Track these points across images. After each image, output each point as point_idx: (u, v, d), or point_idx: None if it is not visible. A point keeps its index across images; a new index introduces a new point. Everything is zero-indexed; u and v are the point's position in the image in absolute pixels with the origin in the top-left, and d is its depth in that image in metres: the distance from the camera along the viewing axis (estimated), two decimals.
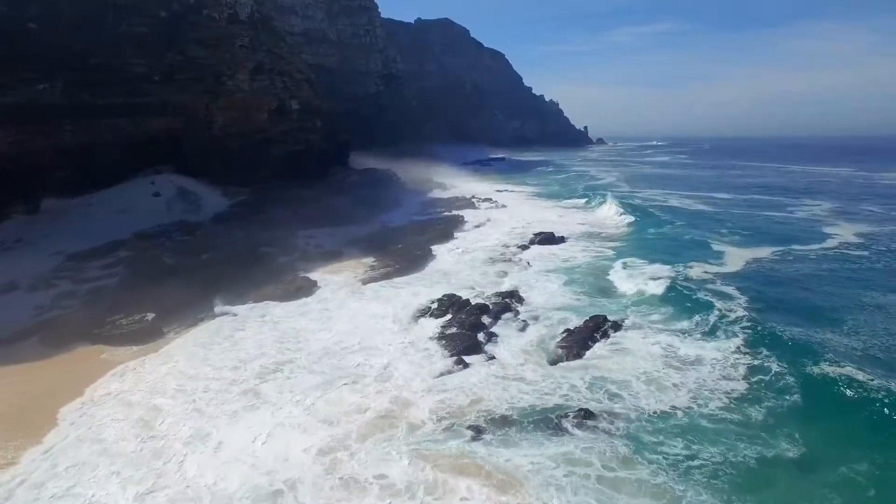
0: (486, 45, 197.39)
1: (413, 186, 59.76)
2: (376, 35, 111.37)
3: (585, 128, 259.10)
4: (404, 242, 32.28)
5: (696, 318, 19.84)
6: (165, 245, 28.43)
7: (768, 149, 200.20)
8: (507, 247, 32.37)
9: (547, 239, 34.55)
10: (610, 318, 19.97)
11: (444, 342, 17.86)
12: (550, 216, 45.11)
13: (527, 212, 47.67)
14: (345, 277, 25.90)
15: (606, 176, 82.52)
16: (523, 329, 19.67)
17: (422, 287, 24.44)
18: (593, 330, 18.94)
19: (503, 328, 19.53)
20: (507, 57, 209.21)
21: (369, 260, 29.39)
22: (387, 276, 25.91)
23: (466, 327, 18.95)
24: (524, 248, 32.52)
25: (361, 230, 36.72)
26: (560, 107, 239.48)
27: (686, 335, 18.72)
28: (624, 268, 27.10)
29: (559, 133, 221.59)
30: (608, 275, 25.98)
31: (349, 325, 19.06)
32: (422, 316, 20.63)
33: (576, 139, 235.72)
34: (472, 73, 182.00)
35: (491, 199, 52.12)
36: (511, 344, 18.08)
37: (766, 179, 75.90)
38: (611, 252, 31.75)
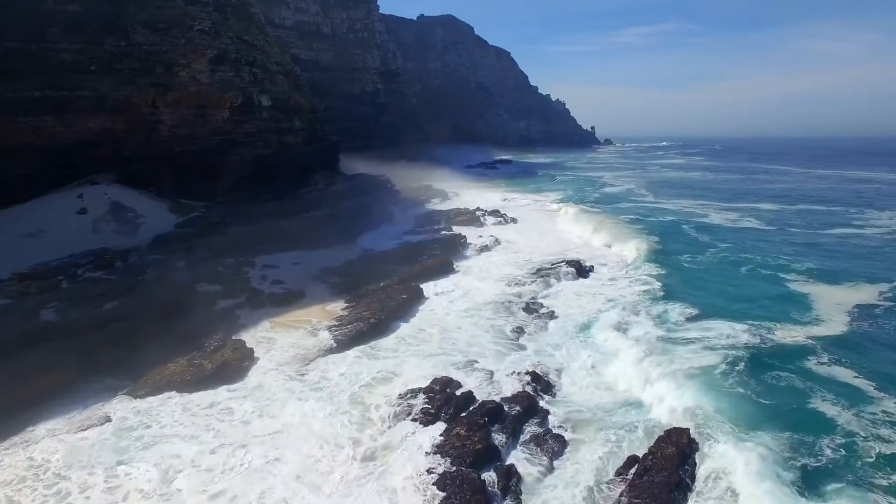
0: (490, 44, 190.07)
1: (408, 195, 52.29)
2: (374, 30, 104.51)
3: (592, 128, 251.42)
4: (388, 277, 24.79)
5: (822, 437, 12.40)
6: (61, 287, 21.01)
7: (786, 150, 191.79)
8: (522, 285, 24.78)
9: (571, 271, 27.02)
10: (688, 428, 12.57)
11: (428, 499, 10.35)
12: (570, 235, 37.59)
13: (540, 229, 40.20)
14: (297, 340, 18.41)
15: (623, 182, 74.79)
16: (560, 455, 12.18)
17: (403, 358, 16.95)
18: (677, 461, 11.44)
19: (528, 457, 12.03)
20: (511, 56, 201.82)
21: (338, 306, 21.91)
22: (356, 339, 18.38)
23: (467, 459, 11.46)
24: (545, 286, 24.96)
25: (337, 257, 29.24)
26: (566, 107, 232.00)
27: (829, 464, 11.34)
28: (679, 325, 19.57)
29: (566, 134, 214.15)
30: (661, 337, 18.37)
31: (273, 463, 11.47)
32: (397, 422, 13.14)
33: (583, 140, 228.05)
34: (476, 71, 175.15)
35: (498, 213, 44.58)
36: (549, 499, 10.55)
37: (805, 185, 68.06)
38: (654, 291, 24.24)
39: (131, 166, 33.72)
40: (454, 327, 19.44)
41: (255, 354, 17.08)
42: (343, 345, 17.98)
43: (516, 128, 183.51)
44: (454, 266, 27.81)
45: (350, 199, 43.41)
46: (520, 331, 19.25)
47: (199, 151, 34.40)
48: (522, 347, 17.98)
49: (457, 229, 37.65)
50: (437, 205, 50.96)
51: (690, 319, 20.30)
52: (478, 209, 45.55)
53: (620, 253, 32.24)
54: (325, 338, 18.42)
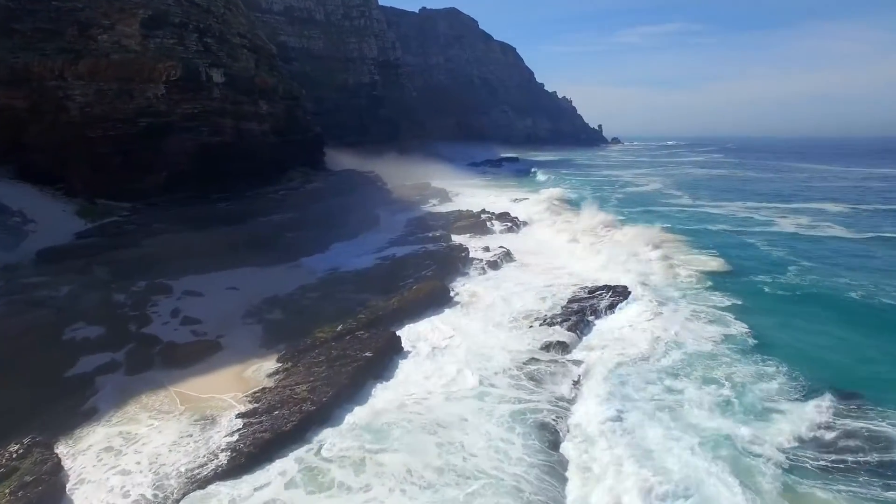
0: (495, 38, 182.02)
1: (402, 195, 44.45)
2: (372, 17, 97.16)
3: (600, 126, 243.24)
4: (352, 314, 16.78)
5: None
6: None
7: (806, 149, 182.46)
8: (550, 325, 16.72)
9: (616, 302, 19.04)
10: None
11: None
12: (597, 246, 29.29)
13: (560, 238, 31.95)
14: (167, 447, 10.52)
15: (647, 181, 66.60)
16: None
17: None
18: None
19: None
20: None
21: (264, 367, 13.96)
22: (269, 449, 10.40)
23: None
24: (582, 326, 16.92)
25: (291, 278, 21.32)
26: (573, 105, 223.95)
27: None
28: (822, 428, 11.46)
29: (573, 132, 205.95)
30: (802, 466, 10.37)
31: None
32: None
33: (590, 138, 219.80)
34: (480, 66, 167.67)
35: (507, 216, 36.60)
36: None
37: (854, 184, 59.57)
38: (741, 337, 16.51)
39: (34, 156, 25.96)
40: (449, 422, 11.36)
41: (69, 492, 9.11)
42: (243, 463, 9.98)
43: (522, 125, 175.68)
44: (451, 294, 19.77)
45: (327, 199, 35.53)
46: (552, 431, 11.15)
47: (122, 137, 26.51)
48: (562, 483, 9.87)
49: (457, 238, 29.71)
50: (434, 206, 42.98)
51: (837, 399, 12.31)
52: (483, 212, 37.56)
53: (671, 271, 24.06)
54: (217, 443, 10.46)
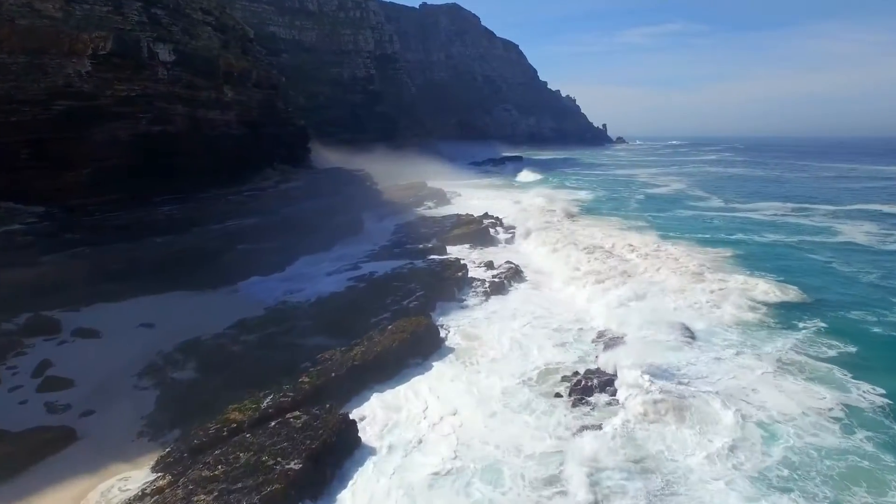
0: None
1: (393, 196, 39.00)
2: (368, 9, 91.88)
3: (604, 126, 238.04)
4: (293, 378, 11.31)
5: None
6: None
7: (811, 147, 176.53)
8: (583, 393, 11.23)
9: (667, 349, 13.52)
10: None
11: None
12: (624, 262, 23.58)
13: (576, 249, 26.11)
14: None
15: (666, 181, 61.00)
16: None
17: None
18: None
19: None
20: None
21: (125, 488, 8.45)
22: None
23: None
24: (615, 392, 11.43)
25: (227, 311, 15.79)
26: (577, 104, 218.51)
27: None
28: None
29: (578, 131, 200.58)
30: None
31: None
32: None
33: (595, 138, 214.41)
34: (483, 63, 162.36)
35: (510, 224, 31.02)
36: None
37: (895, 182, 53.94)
38: (863, 409, 11.47)
39: None
40: None
41: None
42: None
43: (526, 124, 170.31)
44: (442, 335, 14.25)
45: (303, 201, 30.20)
46: None
47: (31, 124, 20.98)
48: None
49: (453, 249, 24.28)
50: (429, 210, 37.54)
51: None
52: (485, 216, 32.07)
53: (731, 302, 18.20)
54: None
